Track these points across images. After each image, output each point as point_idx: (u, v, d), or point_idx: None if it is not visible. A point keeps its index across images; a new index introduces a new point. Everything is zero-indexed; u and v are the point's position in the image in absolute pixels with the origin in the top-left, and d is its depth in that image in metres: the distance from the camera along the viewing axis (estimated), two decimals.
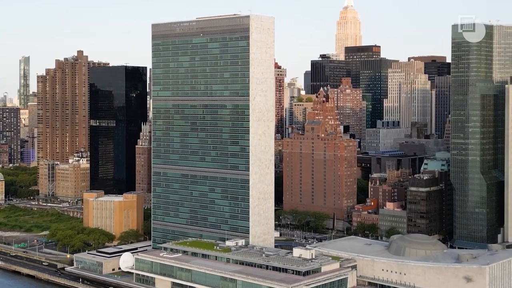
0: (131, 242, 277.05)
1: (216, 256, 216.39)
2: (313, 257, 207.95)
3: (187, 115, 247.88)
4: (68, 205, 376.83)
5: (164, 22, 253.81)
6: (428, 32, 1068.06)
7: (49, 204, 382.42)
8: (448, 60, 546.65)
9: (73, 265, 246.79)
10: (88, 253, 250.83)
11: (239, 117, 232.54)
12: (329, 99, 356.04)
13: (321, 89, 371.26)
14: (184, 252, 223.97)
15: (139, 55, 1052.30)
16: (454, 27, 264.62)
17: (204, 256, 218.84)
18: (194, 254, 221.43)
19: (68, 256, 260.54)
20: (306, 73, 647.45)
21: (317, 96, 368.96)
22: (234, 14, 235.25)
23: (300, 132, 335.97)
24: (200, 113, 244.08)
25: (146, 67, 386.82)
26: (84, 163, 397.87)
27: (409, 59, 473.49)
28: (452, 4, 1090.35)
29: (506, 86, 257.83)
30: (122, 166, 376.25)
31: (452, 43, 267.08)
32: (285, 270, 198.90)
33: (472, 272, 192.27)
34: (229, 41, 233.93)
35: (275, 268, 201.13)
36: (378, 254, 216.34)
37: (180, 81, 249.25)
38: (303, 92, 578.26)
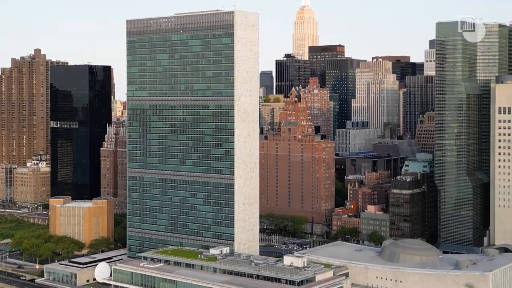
0: (102, 251, 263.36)
1: (201, 266, 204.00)
2: (305, 265, 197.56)
3: (166, 116, 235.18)
4: (27, 211, 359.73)
5: (139, 18, 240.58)
6: (389, 32, 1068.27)
7: (7, 210, 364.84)
8: (412, 60, 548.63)
9: (43, 277, 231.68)
10: (60, 264, 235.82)
11: (223, 118, 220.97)
12: (301, 99, 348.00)
13: (293, 89, 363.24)
14: (166, 261, 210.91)
15: (103, 54, 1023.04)
16: (439, 25, 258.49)
17: (188, 265, 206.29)
18: (177, 263, 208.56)
19: (37, 266, 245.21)
20: (262, 74, 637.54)
21: (288, 96, 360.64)
22: (217, 10, 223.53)
23: (274, 133, 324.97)
24: (180, 114, 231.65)
25: (110, 66, 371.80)
26: (44, 167, 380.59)
27: (377, 59, 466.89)
28: (412, 3, 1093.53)
29: (492, 85, 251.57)
30: (86, 169, 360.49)
31: (436, 42, 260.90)
32: (278, 280, 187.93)
33: (474, 279, 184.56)
34: (211, 38, 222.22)
35: (267, 278, 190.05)
36: (371, 260, 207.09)
37: (157, 80, 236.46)
38: None
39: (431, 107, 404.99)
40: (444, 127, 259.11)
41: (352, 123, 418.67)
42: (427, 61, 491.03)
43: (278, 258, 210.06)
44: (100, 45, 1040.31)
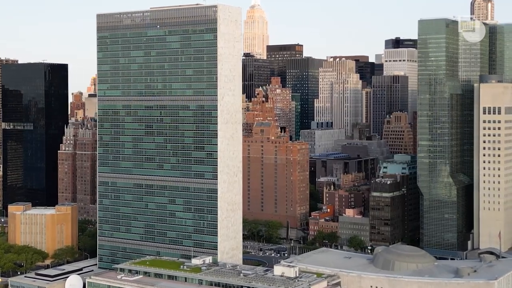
0: (68, 261, 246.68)
1: (185, 277, 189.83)
2: (297, 275, 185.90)
3: (141, 117, 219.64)
4: None
5: (111, 13, 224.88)
6: (342, 32, 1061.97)
7: None
8: (371, 60, 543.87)
9: None
10: (26, 277, 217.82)
11: (205, 119, 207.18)
12: (269, 99, 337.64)
13: (260, 88, 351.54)
14: (146, 273, 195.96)
15: (57, 52, 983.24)
16: (421, 22, 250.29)
17: (170, 277, 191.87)
18: (159, 275, 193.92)
19: (0, 280, 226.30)
20: None
21: (256, 96, 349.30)
22: (197, 4, 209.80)
23: (246, 134, 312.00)
24: (156, 115, 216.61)
25: (67, 64, 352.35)
26: None
27: (340, 58, 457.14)
28: (364, 2, 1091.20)
29: (475, 85, 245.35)
30: (41, 173, 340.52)
31: (419, 40, 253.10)
32: None
33: None
34: (192, 34, 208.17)
35: None
36: (364, 269, 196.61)
37: (132, 79, 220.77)
38: None
39: (398, 107, 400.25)
40: (427, 127, 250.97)
41: (317, 123, 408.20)
42: (386, 60, 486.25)
43: (266, 268, 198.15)
44: (54, 43, 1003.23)
